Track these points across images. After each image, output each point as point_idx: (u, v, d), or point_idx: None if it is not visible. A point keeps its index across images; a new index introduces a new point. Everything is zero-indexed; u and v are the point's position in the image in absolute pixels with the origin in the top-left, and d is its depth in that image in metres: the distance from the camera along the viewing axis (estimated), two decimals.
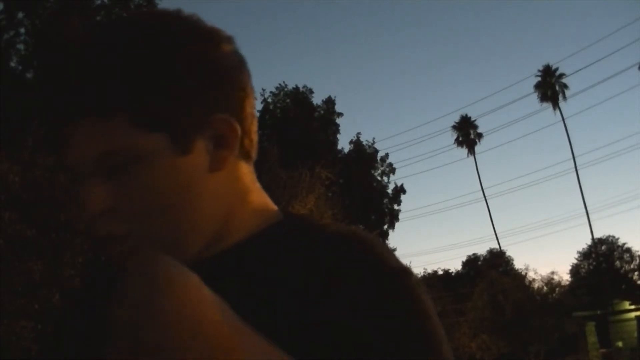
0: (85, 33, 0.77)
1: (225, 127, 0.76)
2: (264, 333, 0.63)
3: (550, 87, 50.83)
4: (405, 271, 0.72)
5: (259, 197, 0.83)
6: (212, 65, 0.76)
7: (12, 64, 13.47)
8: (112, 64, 0.72)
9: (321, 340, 0.67)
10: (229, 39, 0.80)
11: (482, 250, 73.68)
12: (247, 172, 0.81)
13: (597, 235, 55.62)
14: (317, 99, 32.50)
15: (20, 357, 9.29)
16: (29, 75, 13.57)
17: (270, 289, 0.72)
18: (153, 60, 0.73)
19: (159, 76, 0.73)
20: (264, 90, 30.52)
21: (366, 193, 32.46)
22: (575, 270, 49.27)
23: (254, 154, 0.82)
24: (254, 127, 0.82)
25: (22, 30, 13.64)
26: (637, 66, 49.53)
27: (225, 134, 0.77)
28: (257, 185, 0.83)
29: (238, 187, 0.80)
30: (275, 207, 0.84)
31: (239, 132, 0.77)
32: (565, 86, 50.89)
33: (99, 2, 14.27)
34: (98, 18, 13.93)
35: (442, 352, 0.68)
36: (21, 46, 13.65)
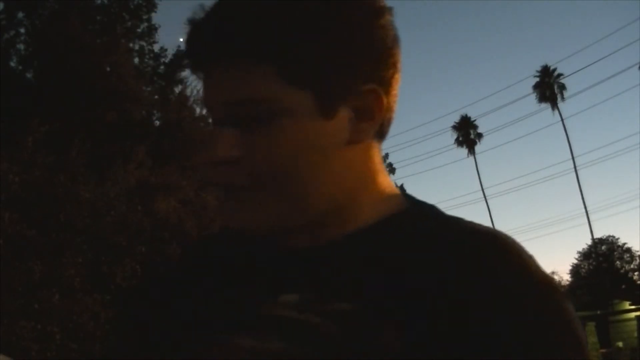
0: None
1: (373, 98, 0.72)
2: (393, 322, 0.63)
3: (548, 88, 50.79)
4: (555, 285, 0.68)
5: (386, 180, 0.78)
6: (372, 34, 0.72)
7: (12, 64, 13.47)
8: (274, 14, 0.68)
9: (459, 348, 0.63)
10: (391, 10, 0.75)
11: None
12: (379, 151, 0.77)
13: (597, 235, 55.62)
14: None
15: (20, 357, 9.29)
16: (29, 75, 13.57)
17: (400, 283, 0.67)
18: (315, 18, 0.69)
19: (317, 34, 0.69)
20: None
21: None
22: (575, 270, 49.25)
23: (386, 135, 0.78)
24: (395, 107, 0.77)
25: (22, 30, 13.64)
26: (637, 66, 49.54)
27: (372, 106, 0.73)
28: (384, 166, 0.79)
29: (369, 165, 0.75)
30: (399, 192, 0.79)
31: (385, 106, 0.73)
32: (563, 87, 50.86)
33: (99, 2, 14.27)
34: (98, 18, 13.93)
35: None
36: (21, 46, 13.65)
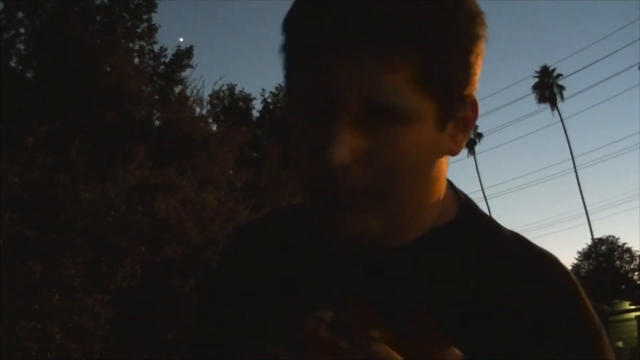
0: None
1: (473, 110, 0.70)
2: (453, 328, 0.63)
3: (548, 88, 50.77)
4: (601, 329, 0.68)
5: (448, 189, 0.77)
6: (478, 45, 0.68)
7: (12, 64, 13.46)
8: (424, 18, 0.64)
9: None
10: (485, 20, 0.71)
11: None
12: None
13: (597, 235, 55.63)
14: None
15: (20, 357, 9.29)
16: (29, 75, 13.57)
17: (462, 306, 0.67)
18: (451, 28, 0.65)
19: (450, 44, 0.65)
20: (263, 90, 30.50)
21: None
22: (575, 270, 49.21)
23: None
24: None
25: (22, 30, 13.63)
26: (637, 66, 49.55)
27: (471, 117, 0.70)
28: None
29: (445, 176, 0.74)
30: (453, 194, 0.77)
31: (476, 116, 0.71)
32: (562, 87, 50.86)
33: (99, 2, 14.26)
34: (98, 18, 13.93)
35: None
36: (21, 46, 13.64)
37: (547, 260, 0.70)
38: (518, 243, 0.72)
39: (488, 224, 0.75)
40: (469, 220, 0.75)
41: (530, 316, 0.65)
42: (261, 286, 0.77)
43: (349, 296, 0.68)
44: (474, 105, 0.70)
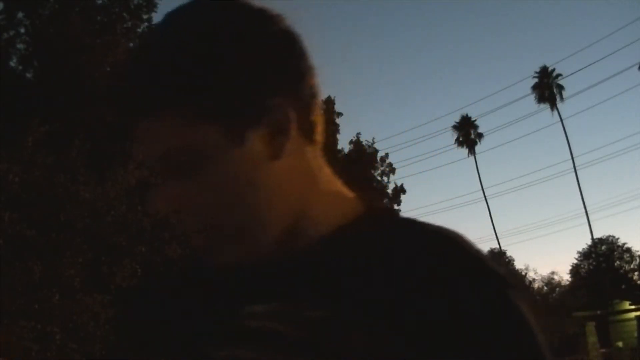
0: (147, 36, 0.80)
1: (277, 113, 0.73)
2: (362, 332, 0.65)
3: (547, 88, 50.81)
4: (505, 278, 0.70)
5: (331, 185, 0.79)
6: (261, 51, 0.73)
7: (12, 64, 13.47)
8: (169, 61, 0.71)
9: (422, 343, 0.65)
10: (279, 18, 0.76)
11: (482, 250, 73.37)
12: (312, 157, 0.77)
13: (597, 235, 55.59)
14: None
15: (20, 357, 9.29)
16: (29, 75, 13.57)
17: (366, 289, 0.69)
18: (201, 55, 0.71)
19: (208, 70, 0.71)
20: None
21: (366, 193, 32.41)
22: (575, 270, 49.23)
23: (318, 136, 0.78)
24: (315, 108, 0.77)
25: (22, 30, 13.63)
26: (637, 66, 49.52)
27: (279, 120, 0.73)
28: (327, 171, 0.80)
29: (304, 174, 0.76)
30: (351, 195, 0.80)
31: (293, 116, 0.73)
32: (562, 87, 50.88)
33: (99, 2, 14.26)
34: (98, 18, 13.93)
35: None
36: (21, 46, 13.64)
37: (436, 237, 0.72)
38: (414, 229, 0.74)
39: (387, 216, 0.79)
40: (368, 215, 0.77)
41: (419, 294, 0.67)
42: (195, 296, 0.81)
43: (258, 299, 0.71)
44: (277, 110, 0.73)
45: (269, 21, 0.75)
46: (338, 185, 0.80)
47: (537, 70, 51.59)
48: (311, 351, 0.65)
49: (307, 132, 0.76)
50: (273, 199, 0.73)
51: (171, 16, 0.76)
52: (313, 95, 0.77)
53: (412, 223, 0.75)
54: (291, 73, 0.75)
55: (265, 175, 0.73)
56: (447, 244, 0.71)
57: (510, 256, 55.18)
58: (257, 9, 0.75)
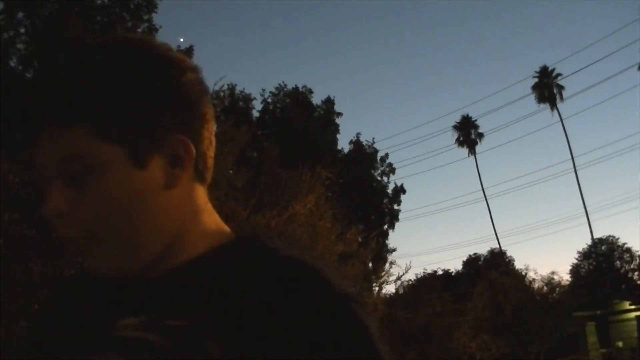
0: (66, 53, 0.84)
1: (181, 147, 0.81)
2: (216, 339, 0.74)
3: (547, 88, 50.78)
4: (350, 296, 0.78)
5: (211, 218, 0.87)
6: (175, 89, 0.82)
7: (12, 64, 13.46)
8: (82, 79, 0.78)
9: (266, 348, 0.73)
10: (195, 69, 0.85)
11: (482, 250, 73.65)
12: (200, 193, 0.86)
13: (597, 235, 55.62)
14: (316, 99, 32.48)
15: (20, 357, 9.28)
16: (29, 75, 13.56)
17: (221, 310, 0.77)
18: (118, 79, 0.79)
19: (122, 93, 0.78)
20: (263, 90, 30.47)
21: (366, 193, 32.43)
22: (575, 270, 49.25)
23: (208, 177, 0.87)
24: (211, 152, 0.87)
25: (22, 30, 13.63)
26: (637, 66, 49.51)
27: (181, 154, 0.81)
28: (210, 207, 0.88)
29: (191, 206, 0.84)
30: (227, 229, 0.89)
31: (194, 153, 0.82)
32: (562, 87, 50.83)
33: (99, 2, 14.25)
34: (98, 18, 13.92)
35: None
36: (21, 46, 13.63)
37: (292, 261, 0.80)
38: (270, 256, 0.82)
39: (251, 244, 0.85)
40: (234, 243, 0.86)
41: (267, 311, 0.76)
42: (74, 312, 0.89)
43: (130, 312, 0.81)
44: (183, 145, 0.81)
45: (185, 69, 0.83)
46: (217, 221, 0.88)
47: (537, 70, 51.65)
48: (171, 355, 0.74)
49: (201, 171, 0.85)
50: (157, 221, 0.81)
51: (102, 43, 0.84)
52: (211, 141, 0.86)
53: (267, 251, 0.83)
54: (197, 117, 0.83)
55: (155, 199, 0.80)
56: (294, 269, 0.79)
57: (510, 256, 55.22)
58: (177, 56, 0.84)
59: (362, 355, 0.75)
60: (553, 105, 50.74)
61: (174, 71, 0.83)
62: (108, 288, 0.84)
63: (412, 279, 34.30)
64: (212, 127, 0.87)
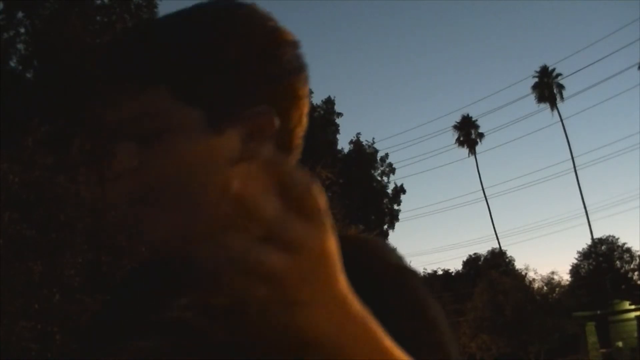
0: (159, 18, 0.82)
1: (263, 119, 0.76)
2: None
3: (547, 88, 50.79)
4: (408, 269, 0.75)
5: None
6: (268, 61, 0.78)
7: (12, 64, 13.46)
8: (167, 38, 0.76)
9: None
10: (294, 44, 0.81)
11: (482, 250, 73.65)
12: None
13: (597, 235, 55.63)
14: (317, 99, 32.51)
15: (20, 357, 9.29)
16: (29, 75, 13.56)
17: None
18: (208, 42, 0.75)
19: (208, 56, 0.75)
20: None
21: (366, 193, 32.45)
22: (575, 270, 49.21)
23: (292, 157, 0.83)
24: (299, 132, 0.82)
25: (22, 30, 13.62)
26: (637, 66, 49.52)
27: (261, 127, 0.76)
28: None
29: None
30: None
31: (277, 127, 0.76)
32: (562, 87, 50.84)
33: (99, 2, 14.25)
34: (98, 18, 13.92)
35: (449, 353, 0.70)
36: (21, 46, 13.62)
37: (354, 239, 0.76)
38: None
39: None
40: None
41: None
42: (135, 294, 0.86)
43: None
44: (265, 117, 0.75)
45: (282, 42, 0.80)
46: None
47: (537, 70, 51.62)
48: (209, 335, 0.69)
49: (282, 150, 0.80)
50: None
51: (187, 8, 0.80)
52: (300, 121, 0.82)
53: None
54: (287, 93, 0.79)
55: (225, 169, 0.75)
56: (346, 240, 0.78)
57: (510, 256, 55.26)
58: (277, 27, 0.80)
59: (417, 322, 0.71)
60: (553, 105, 50.75)
61: (270, 43, 0.79)
62: (166, 269, 0.81)
63: None
64: (305, 106, 0.82)
